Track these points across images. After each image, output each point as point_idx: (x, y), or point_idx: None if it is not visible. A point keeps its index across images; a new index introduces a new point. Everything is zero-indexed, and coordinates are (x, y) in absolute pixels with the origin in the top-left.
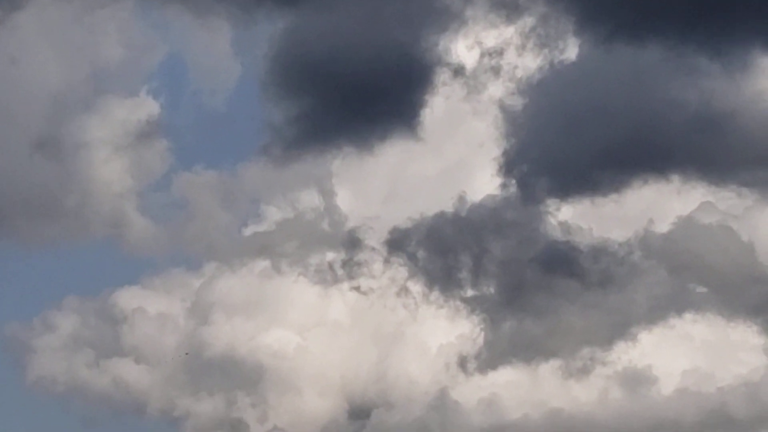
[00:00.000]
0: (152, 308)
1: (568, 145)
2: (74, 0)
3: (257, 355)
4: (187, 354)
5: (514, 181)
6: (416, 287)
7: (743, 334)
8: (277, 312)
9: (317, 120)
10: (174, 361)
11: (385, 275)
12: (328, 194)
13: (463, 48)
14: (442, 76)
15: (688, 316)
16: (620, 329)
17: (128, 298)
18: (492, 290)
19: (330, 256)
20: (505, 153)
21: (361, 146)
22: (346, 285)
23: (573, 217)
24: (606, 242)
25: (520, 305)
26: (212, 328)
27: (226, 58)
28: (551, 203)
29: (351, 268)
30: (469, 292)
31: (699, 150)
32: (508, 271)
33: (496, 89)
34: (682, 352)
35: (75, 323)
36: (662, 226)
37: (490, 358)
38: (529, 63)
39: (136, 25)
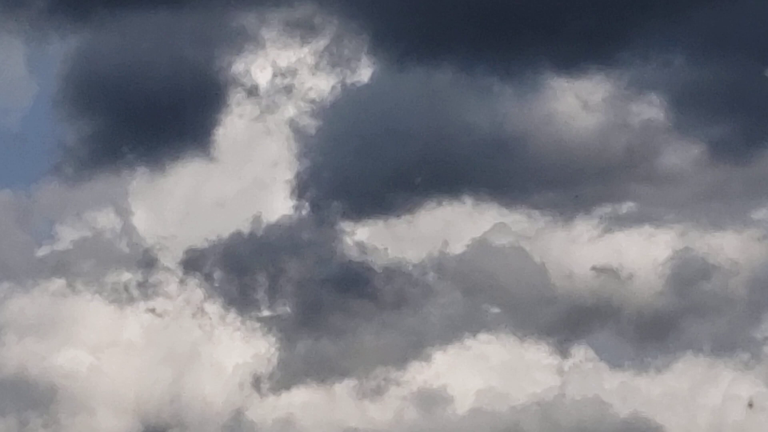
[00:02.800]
0: None
1: (361, 167)
2: None
3: (49, 376)
4: None
5: (307, 204)
6: (212, 307)
7: (536, 353)
8: (70, 332)
9: (110, 139)
10: None
11: (180, 296)
12: (124, 214)
13: (256, 68)
14: (236, 96)
15: (482, 336)
16: (415, 349)
17: None
18: (288, 310)
19: (126, 275)
20: (298, 175)
21: (154, 166)
22: (141, 305)
23: (369, 238)
24: (400, 263)
25: (316, 325)
26: (3, 349)
27: (22, 77)
28: (345, 225)
29: (146, 288)
30: (265, 312)
31: (491, 172)
32: (304, 291)
33: (289, 110)
34: (476, 372)
35: None
36: (456, 247)
37: (284, 378)
38: (322, 84)
39: None
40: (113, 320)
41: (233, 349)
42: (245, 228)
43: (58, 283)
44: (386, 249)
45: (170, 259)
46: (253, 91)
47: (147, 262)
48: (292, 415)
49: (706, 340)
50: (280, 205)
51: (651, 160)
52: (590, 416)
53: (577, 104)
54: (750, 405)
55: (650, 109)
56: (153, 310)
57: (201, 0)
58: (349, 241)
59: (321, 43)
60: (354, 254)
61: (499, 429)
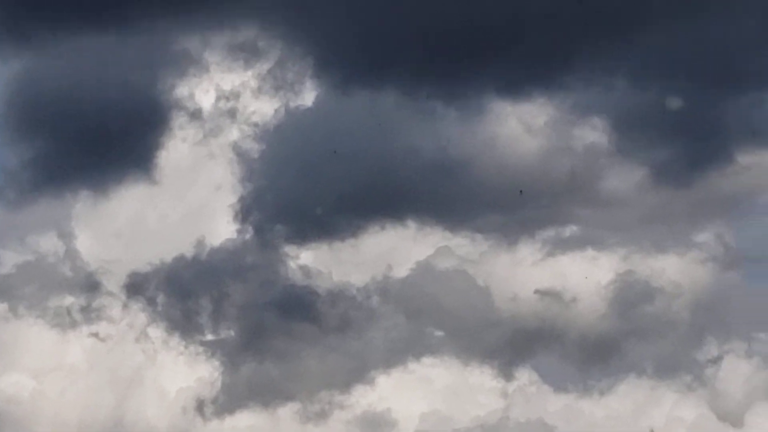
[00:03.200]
0: None
1: (305, 190)
2: None
3: None
4: None
5: (250, 227)
6: (155, 331)
7: (480, 377)
8: (13, 356)
9: (53, 163)
10: None
11: (124, 320)
12: (67, 238)
13: (200, 91)
14: (179, 119)
15: (426, 359)
16: (359, 373)
17: None
18: (232, 334)
19: (69, 300)
20: (242, 199)
21: (97, 190)
22: (84, 329)
23: (313, 262)
24: (344, 287)
25: (260, 349)
26: None
27: None
28: (289, 248)
29: (89, 312)
30: (209, 336)
31: (435, 196)
32: (247, 314)
33: (232, 133)
34: (420, 395)
35: None
36: (400, 271)
37: (227, 402)
38: (265, 107)
39: None
40: (56, 344)
41: (177, 373)
42: (188, 252)
43: (0, 307)
44: (330, 272)
45: (113, 283)
46: (196, 115)
47: (90, 286)
48: None
49: (649, 362)
50: (223, 228)
51: (594, 183)
52: None
53: (520, 128)
54: None
55: (593, 133)
56: (96, 335)
57: (145, 24)
58: (293, 264)
59: (264, 66)
60: (298, 278)
61: None
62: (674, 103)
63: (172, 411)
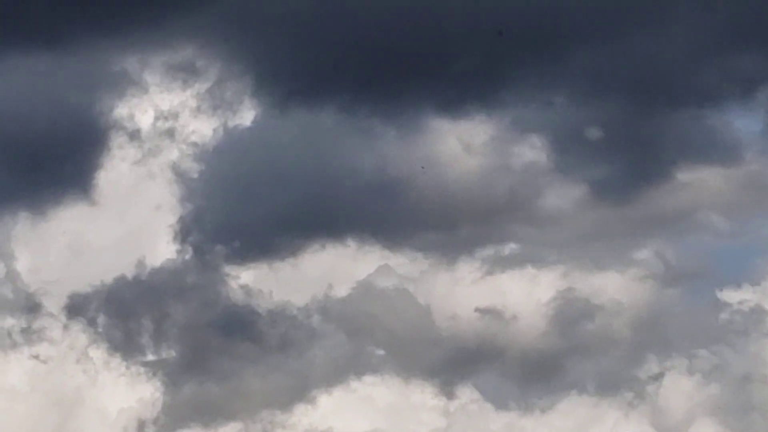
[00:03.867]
0: None
1: (244, 210)
2: None
3: None
4: None
5: (190, 248)
6: (96, 352)
7: (422, 395)
8: None
9: None
10: None
11: (64, 341)
12: (7, 259)
13: (138, 111)
14: (118, 139)
15: (367, 378)
16: (300, 392)
17: None
18: (173, 354)
19: (9, 321)
20: (181, 219)
21: (36, 211)
22: (25, 350)
23: (254, 282)
24: (285, 306)
25: (201, 369)
26: None
27: None
28: (230, 268)
29: (30, 333)
30: (150, 357)
31: (375, 214)
32: (188, 335)
33: (172, 153)
34: (362, 414)
35: None
36: (341, 290)
37: (169, 423)
38: (204, 127)
39: None
40: None
41: (118, 394)
42: (129, 272)
43: None
44: (271, 292)
45: (54, 304)
46: (135, 135)
47: (30, 307)
48: None
49: (591, 380)
50: (163, 249)
51: (533, 201)
52: None
53: (458, 146)
54: None
55: (532, 151)
56: (37, 356)
57: (83, 43)
58: (233, 284)
59: (203, 86)
60: (239, 298)
61: None
62: (612, 120)
63: (113, 431)
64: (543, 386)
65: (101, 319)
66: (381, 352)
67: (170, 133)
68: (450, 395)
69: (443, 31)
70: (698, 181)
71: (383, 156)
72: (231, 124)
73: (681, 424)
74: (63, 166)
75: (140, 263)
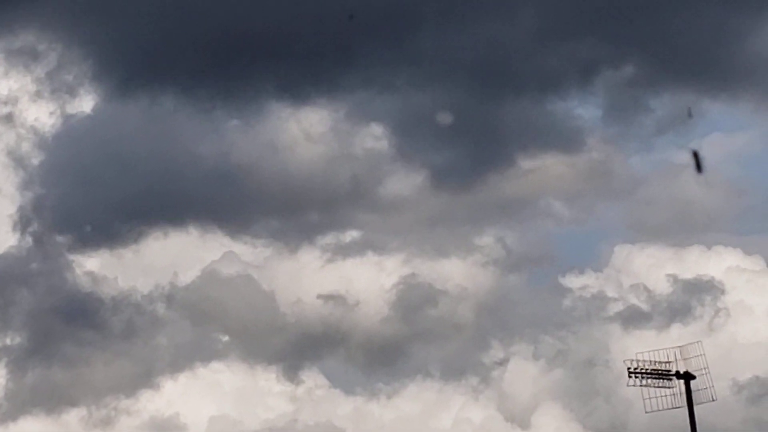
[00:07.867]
0: None
1: (85, 197)
2: None
3: None
4: None
5: (30, 238)
6: None
7: (267, 381)
8: None
9: None
10: None
11: None
12: None
13: None
14: None
15: (213, 364)
16: (145, 378)
17: None
18: (18, 340)
19: None
20: (21, 208)
21: None
22: None
23: (99, 269)
24: (130, 293)
25: (46, 355)
26: None
27: None
28: (72, 256)
29: None
30: None
31: (217, 201)
32: (33, 321)
33: (10, 139)
34: (209, 400)
35: None
36: (185, 277)
37: (11, 409)
38: (43, 113)
39: None
40: None
41: None
42: None
43: None
44: (116, 279)
45: None
46: None
47: None
48: None
49: (436, 365)
50: (4, 238)
51: (375, 188)
52: None
53: (300, 133)
54: None
55: (373, 138)
56: None
57: None
58: (78, 271)
59: (43, 70)
60: (84, 284)
61: None
62: (455, 105)
63: None
64: (388, 371)
65: None
66: (226, 338)
67: (8, 119)
68: (296, 380)
69: (291, 13)
70: (540, 168)
71: (225, 142)
72: (71, 109)
73: (526, 409)
74: None
75: None
